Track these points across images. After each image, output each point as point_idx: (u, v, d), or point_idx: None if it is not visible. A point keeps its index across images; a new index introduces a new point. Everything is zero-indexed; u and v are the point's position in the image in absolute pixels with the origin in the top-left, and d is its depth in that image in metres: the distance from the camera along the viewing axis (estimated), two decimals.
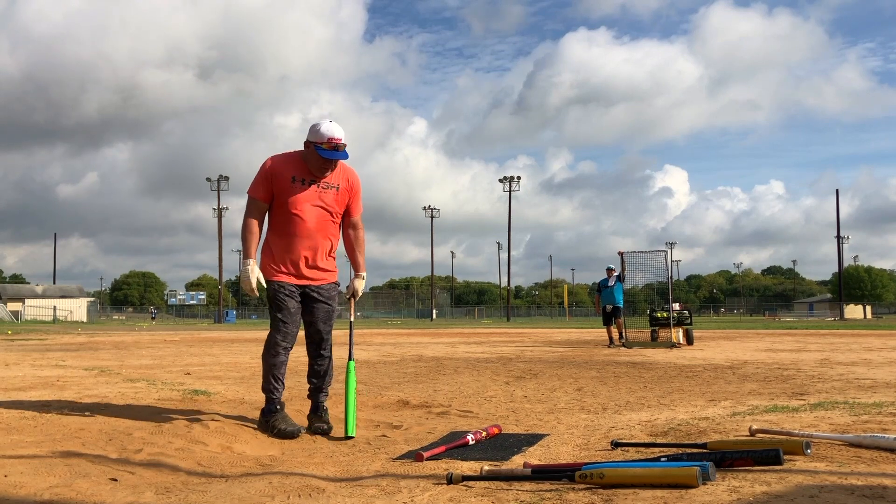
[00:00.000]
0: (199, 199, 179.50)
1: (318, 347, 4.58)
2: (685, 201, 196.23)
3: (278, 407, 4.41)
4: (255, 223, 4.44)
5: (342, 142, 4.36)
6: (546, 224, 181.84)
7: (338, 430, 4.45)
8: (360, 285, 4.70)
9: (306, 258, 4.48)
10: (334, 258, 4.66)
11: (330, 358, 4.63)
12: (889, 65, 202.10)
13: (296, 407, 5.31)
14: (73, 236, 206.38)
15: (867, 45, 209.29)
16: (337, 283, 4.68)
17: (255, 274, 4.39)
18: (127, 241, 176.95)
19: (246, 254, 4.40)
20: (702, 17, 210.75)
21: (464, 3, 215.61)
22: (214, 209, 67.02)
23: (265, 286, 4.44)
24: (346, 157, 4.42)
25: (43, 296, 74.04)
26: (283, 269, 4.45)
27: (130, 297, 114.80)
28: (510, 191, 68.82)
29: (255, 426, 4.48)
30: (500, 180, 70.08)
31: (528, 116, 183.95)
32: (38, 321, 57.42)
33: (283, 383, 4.47)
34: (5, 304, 69.38)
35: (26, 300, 72.94)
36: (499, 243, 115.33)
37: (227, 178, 67.54)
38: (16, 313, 65.87)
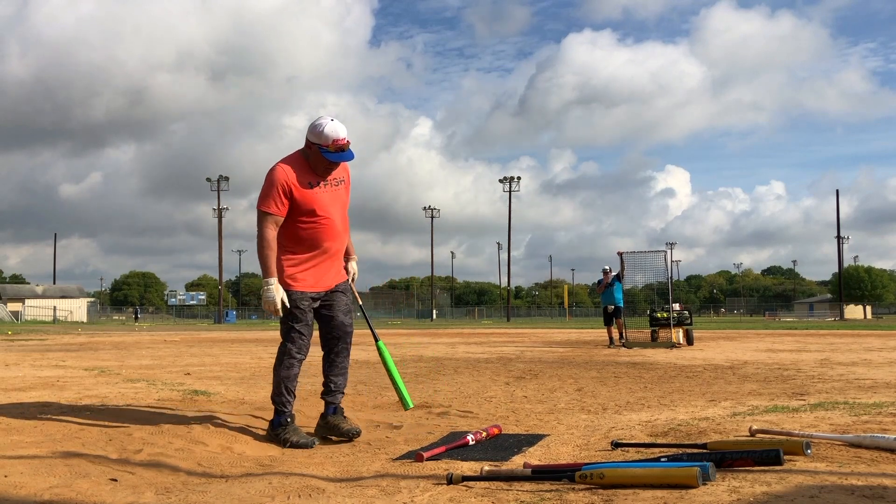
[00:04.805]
0: (200, 199, 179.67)
1: (340, 343, 4.39)
2: (687, 202, 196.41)
3: (289, 419, 4.23)
4: (273, 238, 4.17)
5: (346, 141, 4.17)
6: (546, 224, 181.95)
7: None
8: (356, 267, 4.65)
9: (335, 262, 4.37)
10: None
11: (350, 356, 4.48)
12: (890, 65, 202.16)
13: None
14: (73, 236, 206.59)
15: (868, 45, 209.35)
16: (348, 279, 4.56)
17: (280, 293, 4.14)
18: (128, 242, 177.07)
19: (268, 272, 4.14)
20: (704, 18, 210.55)
21: (465, 3, 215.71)
22: (214, 210, 67.04)
23: (288, 305, 4.21)
24: (352, 157, 4.24)
25: (43, 296, 74.02)
26: (310, 277, 4.26)
27: (130, 297, 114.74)
28: (510, 191, 68.94)
29: (256, 426, 4.48)
30: (501, 181, 70.23)
31: (530, 118, 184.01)
32: (38, 321, 57.43)
33: (294, 395, 4.31)
34: (5, 304, 69.38)
35: (26, 300, 72.93)
36: (499, 244, 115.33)
37: (226, 179, 67.54)
38: (16, 313, 65.88)
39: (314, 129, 4.18)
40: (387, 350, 4.58)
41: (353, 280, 4.61)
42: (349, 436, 4.26)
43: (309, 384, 7.09)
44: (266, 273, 4.16)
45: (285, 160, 4.25)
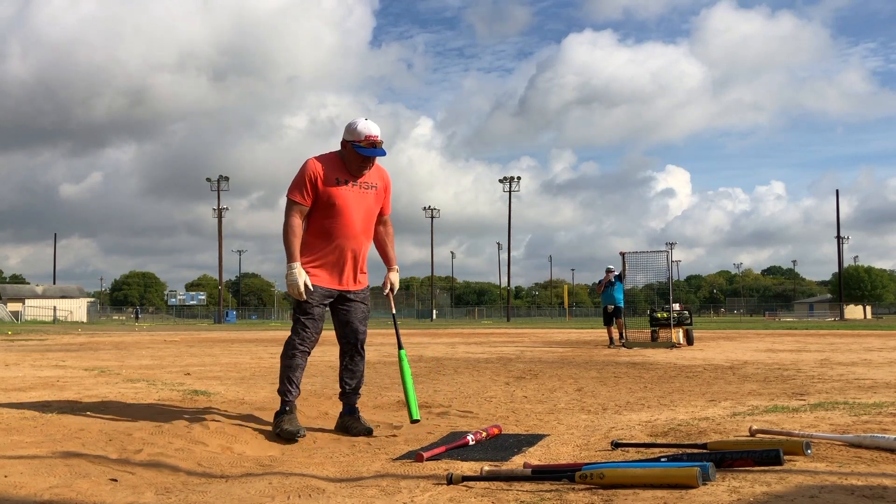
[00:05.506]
0: (200, 199, 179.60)
1: (354, 347, 4.58)
2: (687, 202, 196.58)
3: (287, 409, 4.36)
4: (298, 225, 4.38)
5: (379, 139, 4.40)
6: (546, 224, 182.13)
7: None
8: (396, 278, 4.79)
9: (349, 262, 4.46)
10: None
11: (364, 359, 4.66)
12: (890, 65, 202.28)
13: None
14: (73, 236, 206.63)
15: (868, 45, 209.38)
16: (369, 286, 4.68)
17: (303, 277, 4.32)
18: (128, 242, 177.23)
19: (291, 257, 4.33)
20: (704, 18, 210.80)
21: (465, 3, 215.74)
22: (214, 210, 67.00)
23: (312, 289, 4.36)
24: (384, 153, 4.45)
25: (43, 296, 74.02)
26: (322, 272, 4.41)
27: (130, 297, 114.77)
28: (510, 191, 68.99)
29: (256, 426, 4.48)
30: (501, 181, 70.29)
31: (531, 118, 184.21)
32: (38, 321, 57.42)
33: (297, 387, 4.43)
34: (5, 304, 69.38)
35: (26, 300, 72.94)
36: (499, 244, 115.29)
37: (226, 179, 67.51)
38: (16, 314, 65.87)
39: (349, 127, 4.42)
40: (407, 360, 4.65)
41: (391, 290, 4.75)
42: (360, 436, 4.39)
43: (309, 384, 7.09)
44: (290, 258, 4.36)
45: (319, 156, 4.48)
